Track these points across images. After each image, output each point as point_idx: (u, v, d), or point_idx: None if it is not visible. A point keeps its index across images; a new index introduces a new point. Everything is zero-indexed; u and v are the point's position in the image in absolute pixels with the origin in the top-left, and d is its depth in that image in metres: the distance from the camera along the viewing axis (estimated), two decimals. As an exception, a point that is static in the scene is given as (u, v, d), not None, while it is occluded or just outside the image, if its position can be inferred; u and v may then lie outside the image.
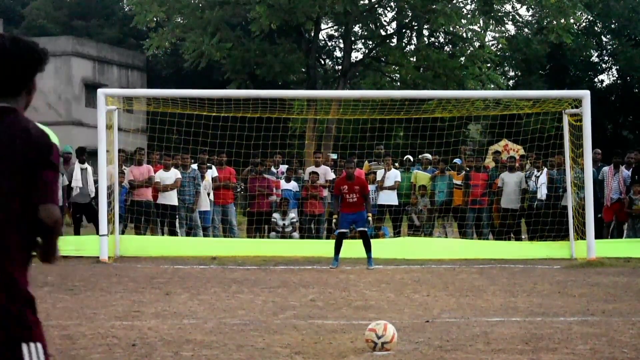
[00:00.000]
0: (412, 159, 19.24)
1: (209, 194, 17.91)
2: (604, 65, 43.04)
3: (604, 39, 42.45)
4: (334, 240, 14.82)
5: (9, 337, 3.12)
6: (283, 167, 19.44)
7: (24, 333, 3.17)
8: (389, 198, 18.26)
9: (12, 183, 3.25)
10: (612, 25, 41.10)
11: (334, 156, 21.23)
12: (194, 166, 17.94)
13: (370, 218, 14.61)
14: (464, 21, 31.64)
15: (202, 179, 17.71)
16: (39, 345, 3.17)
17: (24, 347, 3.11)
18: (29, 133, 3.33)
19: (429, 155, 19.33)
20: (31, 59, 3.74)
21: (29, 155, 3.29)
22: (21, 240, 3.26)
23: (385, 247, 16.33)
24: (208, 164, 18.11)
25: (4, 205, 3.22)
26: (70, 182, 17.03)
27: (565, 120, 16.19)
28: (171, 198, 17.35)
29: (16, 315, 3.17)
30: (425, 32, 37.37)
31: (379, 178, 18.35)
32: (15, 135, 3.32)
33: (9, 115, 3.33)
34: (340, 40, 40.88)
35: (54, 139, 3.41)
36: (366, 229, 14.50)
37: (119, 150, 16.81)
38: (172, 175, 17.42)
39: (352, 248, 16.04)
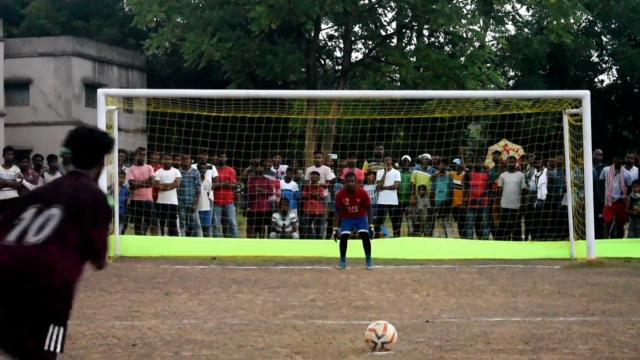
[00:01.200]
0: (410, 159, 19.24)
1: (208, 194, 17.92)
2: (604, 65, 43.06)
3: (604, 39, 42.46)
4: (332, 241, 14.89)
5: (45, 320, 4.27)
6: (283, 167, 19.44)
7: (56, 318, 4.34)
8: (389, 198, 18.26)
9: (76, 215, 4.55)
10: (612, 25, 41.10)
11: (334, 156, 21.24)
12: (194, 166, 17.95)
13: (372, 228, 14.72)
14: (464, 21, 31.65)
15: (202, 179, 17.72)
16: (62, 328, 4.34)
17: (52, 326, 4.28)
18: (97, 192, 4.74)
19: (428, 155, 19.32)
20: (102, 145, 4.82)
21: (92, 201, 4.65)
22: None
23: (385, 247, 16.32)
24: (208, 164, 18.11)
25: (63, 231, 4.47)
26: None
27: (565, 120, 16.19)
28: (171, 198, 17.36)
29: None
30: (425, 32, 37.39)
31: (379, 178, 18.36)
32: (87, 189, 4.69)
33: (82, 177, 4.73)
34: (340, 40, 40.88)
35: (111, 201, 4.87)
36: (367, 231, 14.56)
37: (119, 150, 16.80)
38: (172, 174, 17.42)
39: (352, 248, 16.04)
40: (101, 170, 4.84)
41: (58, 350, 4.28)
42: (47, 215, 4.48)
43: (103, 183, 15.30)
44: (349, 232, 14.69)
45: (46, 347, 4.25)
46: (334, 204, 15.32)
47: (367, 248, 14.46)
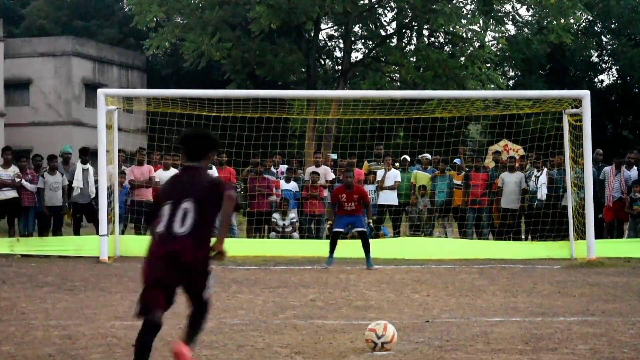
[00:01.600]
0: (409, 159, 19.24)
1: None
2: (604, 65, 43.05)
3: (604, 39, 42.46)
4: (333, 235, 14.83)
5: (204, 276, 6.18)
6: (283, 167, 19.43)
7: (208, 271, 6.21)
8: (389, 198, 18.26)
9: (204, 203, 6.00)
10: (612, 25, 41.11)
11: (334, 156, 21.23)
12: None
13: (371, 224, 14.64)
14: (464, 21, 31.64)
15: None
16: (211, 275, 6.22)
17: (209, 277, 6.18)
18: (214, 179, 6.26)
19: (428, 155, 19.32)
20: (208, 141, 6.28)
21: (211, 188, 6.05)
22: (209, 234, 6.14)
23: (385, 247, 16.32)
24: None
25: (203, 216, 5.99)
26: (70, 182, 17.03)
27: (565, 120, 16.19)
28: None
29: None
30: (425, 32, 37.39)
31: (379, 178, 18.36)
32: (206, 180, 6.15)
33: (197, 169, 6.17)
34: (340, 40, 40.88)
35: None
36: (365, 229, 14.52)
37: (119, 150, 16.80)
38: (171, 174, 17.39)
39: (352, 248, 16.05)
40: (208, 162, 6.33)
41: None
42: (183, 209, 5.96)
43: (103, 183, 15.30)
44: (341, 230, 14.56)
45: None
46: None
47: (367, 247, 14.39)
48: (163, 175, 17.47)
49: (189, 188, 6.02)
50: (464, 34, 33.49)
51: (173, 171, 17.42)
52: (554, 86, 34.73)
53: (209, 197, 5.99)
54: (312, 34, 35.30)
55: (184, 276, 6.09)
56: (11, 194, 16.91)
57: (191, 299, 6.30)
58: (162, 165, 17.75)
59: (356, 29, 37.55)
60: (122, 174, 17.23)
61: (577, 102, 15.87)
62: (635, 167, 17.58)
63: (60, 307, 9.64)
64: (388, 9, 35.98)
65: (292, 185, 18.59)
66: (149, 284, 6.26)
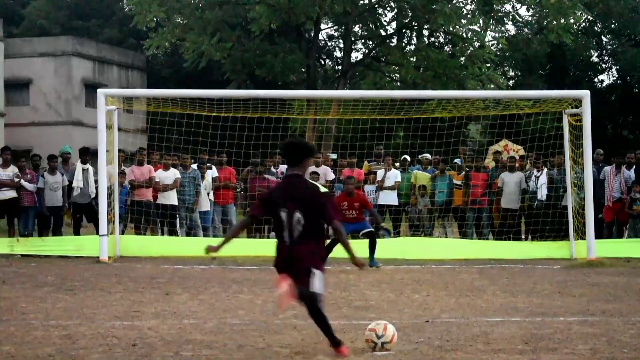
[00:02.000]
0: (409, 159, 19.23)
1: (208, 194, 17.92)
2: (604, 65, 43.05)
3: (604, 39, 42.47)
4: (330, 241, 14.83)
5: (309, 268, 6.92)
6: (283, 167, 19.43)
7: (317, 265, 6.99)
8: (389, 198, 18.25)
9: (310, 211, 6.96)
10: (612, 25, 41.10)
11: (334, 156, 21.22)
12: (194, 166, 17.95)
13: (384, 227, 14.58)
14: (463, 21, 31.65)
15: (202, 179, 17.72)
16: (320, 272, 6.99)
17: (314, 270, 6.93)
18: (314, 187, 7.13)
19: (428, 155, 19.32)
20: (305, 149, 7.17)
21: (313, 197, 7.01)
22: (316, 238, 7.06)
23: (385, 247, 16.31)
24: (208, 164, 18.10)
25: (311, 224, 6.95)
26: (71, 182, 17.02)
27: (565, 120, 16.18)
28: (171, 198, 17.37)
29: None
30: (425, 32, 37.38)
31: (379, 178, 18.36)
32: (308, 188, 7.08)
33: (299, 177, 7.12)
34: (340, 40, 40.89)
35: (322, 189, 7.17)
36: (371, 229, 14.59)
37: (119, 150, 16.80)
38: (171, 175, 17.43)
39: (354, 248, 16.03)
40: (306, 168, 7.22)
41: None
42: (297, 218, 6.94)
43: (103, 183, 15.30)
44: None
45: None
46: None
47: (372, 247, 14.37)
48: (163, 176, 17.48)
49: (297, 198, 6.98)
50: (464, 34, 33.49)
51: (173, 171, 17.46)
52: (554, 86, 34.74)
53: (311, 207, 6.97)
54: (312, 34, 35.31)
55: (300, 275, 6.93)
56: (10, 194, 16.91)
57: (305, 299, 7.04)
58: (162, 165, 17.74)
59: (356, 29, 37.55)
60: (121, 174, 17.23)
61: (577, 102, 15.87)
62: (634, 167, 17.57)
63: (60, 307, 9.64)
64: (388, 9, 35.98)
65: (292, 185, 18.55)
66: (281, 279, 7.03)
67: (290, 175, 7.16)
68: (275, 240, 7.16)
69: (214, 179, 18.04)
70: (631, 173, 17.46)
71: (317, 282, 6.93)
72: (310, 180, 7.33)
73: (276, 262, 7.15)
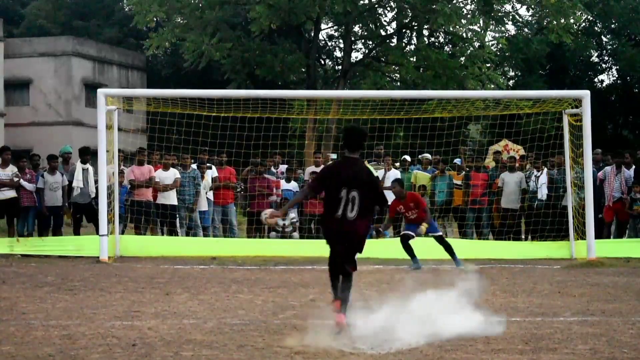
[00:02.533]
0: (409, 159, 19.22)
1: (207, 194, 17.90)
2: (604, 65, 43.06)
3: (604, 39, 42.47)
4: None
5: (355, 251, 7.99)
6: (283, 167, 19.44)
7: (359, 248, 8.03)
8: (389, 198, 18.22)
9: (365, 193, 7.90)
10: (612, 25, 41.11)
11: (334, 156, 21.21)
12: (194, 166, 17.95)
13: (423, 227, 14.46)
14: (463, 21, 31.64)
15: (202, 179, 17.72)
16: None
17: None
18: (370, 173, 8.18)
19: (428, 155, 19.32)
20: (362, 134, 8.12)
21: (370, 182, 8.00)
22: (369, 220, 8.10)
23: (386, 247, 16.30)
24: (208, 164, 18.10)
25: (365, 204, 7.89)
26: (70, 182, 17.02)
27: (565, 120, 16.18)
28: (170, 198, 17.37)
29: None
30: (425, 32, 37.40)
31: (379, 178, 18.35)
32: (365, 172, 8.06)
33: (357, 160, 8.04)
34: (340, 40, 40.91)
35: (374, 171, 9.37)
36: (441, 234, 14.84)
37: (119, 150, 16.80)
38: (170, 175, 17.44)
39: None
40: (362, 153, 8.21)
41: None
42: (352, 196, 7.81)
43: (102, 183, 15.30)
44: (410, 233, 14.44)
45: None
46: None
47: (449, 249, 14.46)
48: (162, 176, 17.48)
49: (353, 179, 7.85)
50: (464, 34, 33.49)
51: (173, 171, 17.46)
52: (554, 86, 34.74)
53: (368, 189, 7.88)
54: (312, 34, 35.31)
55: (352, 249, 7.96)
56: (10, 193, 16.90)
57: (345, 272, 8.02)
58: (162, 165, 17.73)
59: (356, 29, 37.56)
60: (121, 173, 17.23)
61: (577, 102, 15.86)
62: (633, 167, 17.57)
63: (60, 307, 9.64)
64: (388, 9, 35.98)
65: (293, 185, 18.59)
66: (334, 253, 8.05)
67: (348, 157, 8.01)
68: (326, 215, 8.04)
69: (213, 179, 18.04)
70: (631, 172, 17.46)
71: (356, 260, 8.07)
72: (366, 164, 8.43)
73: (327, 235, 8.06)
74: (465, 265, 13.91)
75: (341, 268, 7.96)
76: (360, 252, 8.04)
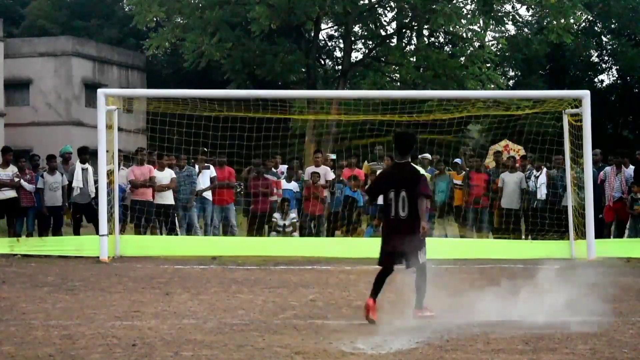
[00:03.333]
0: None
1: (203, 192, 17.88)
2: (604, 65, 43.05)
3: (604, 39, 42.46)
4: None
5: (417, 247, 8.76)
6: (283, 167, 19.43)
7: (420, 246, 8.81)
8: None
9: (413, 191, 8.64)
10: (612, 25, 41.10)
11: (333, 156, 21.22)
12: (191, 167, 17.96)
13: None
14: (463, 21, 31.64)
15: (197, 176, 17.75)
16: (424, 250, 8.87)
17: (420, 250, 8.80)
18: (415, 172, 8.87)
19: (428, 155, 19.31)
20: (411, 140, 9.04)
21: (415, 180, 8.71)
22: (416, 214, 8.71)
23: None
24: (206, 164, 18.09)
25: (414, 200, 8.66)
26: (70, 182, 17.02)
27: (565, 120, 16.18)
28: (167, 198, 17.38)
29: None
30: (425, 32, 37.40)
31: (378, 178, 18.33)
32: (412, 173, 8.80)
33: (406, 164, 8.84)
34: (340, 40, 40.91)
35: (422, 171, 9.06)
36: None
37: (119, 150, 16.80)
38: (167, 175, 17.45)
39: (352, 248, 16.08)
40: (413, 156, 8.93)
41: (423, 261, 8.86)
42: (402, 197, 8.63)
43: (102, 182, 15.30)
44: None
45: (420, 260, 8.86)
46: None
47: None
48: (159, 176, 17.48)
49: (400, 181, 8.70)
50: (464, 34, 33.50)
51: (168, 171, 17.47)
52: (554, 86, 34.74)
53: (413, 188, 8.64)
54: (312, 34, 35.31)
55: (411, 247, 8.67)
56: (10, 193, 16.91)
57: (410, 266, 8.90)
58: (157, 165, 17.67)
59: (356, 29, 37.57)
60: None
61: (577, 102, 15.86)
62: (631, 167, 17.57)
63: (60, 307, 9.64)
64: (388, 9, 35.99)
65: (293, 185, 18.58)
66: (386, 252, 8.86)
67: (398, 162, 8.90)
68: (384, 216, 8.98)
69: (211, 179, 18.03)
70: (631, 172, 17.46)
71: (422, 255, 8.83)
72: (414, 165, 8.98)
73: (383, 234, 9.02)
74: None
75: (390, 266, 8.90)
76: (420, 249, 8.80)
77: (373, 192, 9.38)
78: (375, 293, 8.78)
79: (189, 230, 17.66)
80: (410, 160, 8.89)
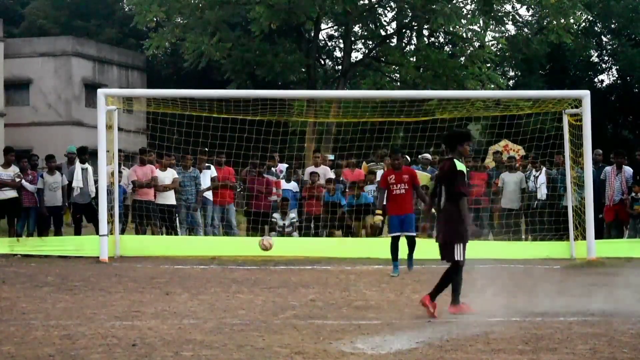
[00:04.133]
0: (409, 159, 19.21)
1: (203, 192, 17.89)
2: (604, 65, 43.05)
3: (604, 39, 42.47)
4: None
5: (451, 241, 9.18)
6: (282, 166, 19.43)
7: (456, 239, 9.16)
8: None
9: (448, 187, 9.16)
10: (612, 25, 41.10)
11: (332, 157, 21.21)
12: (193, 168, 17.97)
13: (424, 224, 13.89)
14: (463, 21, 31.65)
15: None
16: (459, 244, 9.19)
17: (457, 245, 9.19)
18: (452, 168, 9.12)
19: (428, 155, 19.31)
20: (455, 137, 9.32)
21: (451, 176, 9.11)
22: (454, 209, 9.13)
23: (385, 247, 16.29)
24: (207, 164, 18.09)
25: (450, 194, 9.13)
26: (70, 182, 17.02)
27: (565, 120, 16.18)
28: (169, 198, 17.38)
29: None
30: (425, 32, 37.40)
31: (378, 178, 18.32)
32: (449, 168, 9.14)
33: (449, 160, 9.21)
34: (340, 40, 40.90)
35: (460, 166, 9.14)
36: (414, 235, 13.67)
37: (119, 150, 16.80)
38: (169, 175, 17.45)
39: (352, 248, 16.09)
40: (461, 152, 9.24)
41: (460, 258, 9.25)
42: (442, 190, 9.22)
43: (102, 183, 15.31)
44: (398, 234, 13.48)
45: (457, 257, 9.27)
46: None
47: (411, 250, 13.64)
48: (161, 176, 17.48)
49: (442, 176, 9.31)
50: (464, 34, 33.49)
51: (170, 171, 17.48)
52: (554, 86, 34.72)
53: (449, 182, 9.10)
54: (312, 34, 35.31)
55: (446, 238, 9.18)
56: (11, 193, 16.92)
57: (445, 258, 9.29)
58: (160, 164, 17.69)
59: (356, 29, 37.58)
60: (120, 173, 17.23)
61: (577, 102, 15.87)
62: (628, 167, 17.58)
63: (60, 307, 9.65)
64: (388, 9, 36.00)
65: (292, 185, 18.58)
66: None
67: (444, 158, 9.75)
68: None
69: (212, 179, 18.04)
70: (631, 172, 17.46)
71: (457, 251, 9.15)
72: (457, 161, 9.18)
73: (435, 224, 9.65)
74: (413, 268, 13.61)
75: (442, 257, 9.35)
76: (453, 241, 9.13)
77: (435, 186, 9.80)
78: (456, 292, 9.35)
79: (193, 230, 17.66)
80: (453, 156, 9.21)
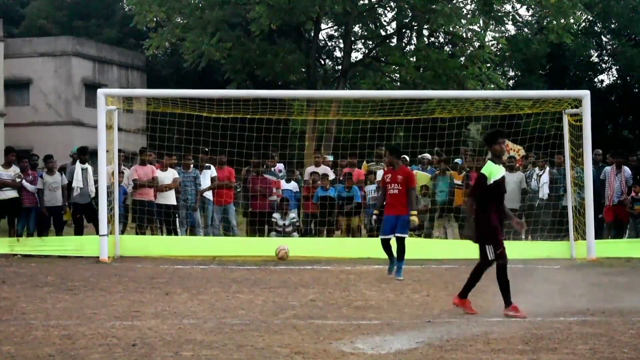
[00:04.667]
0: (408, 159, 19.22)
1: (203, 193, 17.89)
2: (604, 65, 43.03)
3: (604, 39, 42.45)
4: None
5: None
6: (280, 166, 19.43)
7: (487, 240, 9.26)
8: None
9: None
10: (612, 25, 41.09)
11: (331, 158, 21.23)
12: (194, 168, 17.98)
13: (414, 218, 13.28)
14: (463, 21, 31.63)
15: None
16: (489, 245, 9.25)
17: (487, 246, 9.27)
18: (479, 170, 9.47)
19: (428, 155, 19.31)
20: (489, 136, 9.63)
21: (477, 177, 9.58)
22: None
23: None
24: (207, 164, 18.09)
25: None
26: (70, 182, 17.01)
27: (565, 120, 16.18)
28: (169, 198, 17.38)
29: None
30: (425, 32, 37.38)
31: (378, 178, 18.33)
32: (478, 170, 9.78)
33: (484, 162, 10.13)
34: (340, 40, 40.90)
35: (484, 169, 9.42)
36: (405, 236, 13.15)
37: (119, 150, 16.80)
38: (169, 175, 17.45)
39: (352, 248, 16.09)
40: (494, 152, 9.60)
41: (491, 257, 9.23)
42: None
43: (102, 183, 15.31)
44: (388, 237, 13.12)
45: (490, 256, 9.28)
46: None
47: (401, 254, 13.09)
48: (161, 176, 17.48)
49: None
50: (464, 34, 33.47)
51: (171, 171, 17.48)
52: (554, 86, 34.72)
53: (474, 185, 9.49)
54: (312, 34, 35.30)
55: (480, 246, 9.40)
56: (11, 194, 16.91)
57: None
58: (160, 164, 17.70)
59: (356, 29, 37.56)
60: (121, 174, 17.23)
61: (577, 102, 15.87)
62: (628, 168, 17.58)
63: (60, 307, 9.65)
64: (388, 9, 35.98)
65: (292, 185, 18.58)
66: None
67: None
68: None
69: (212, 179, 18.04)
70: (630, 171, 17.46)
71: (489, 252, 9.25)
72: (488, 163, 9.44)
73: None
74: (400, 278, 12.90)
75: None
76: (484, 242, 9.26)
77: None
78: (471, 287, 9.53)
79: (193, 230, 17.66)
80: (490, 157, 9.60)
